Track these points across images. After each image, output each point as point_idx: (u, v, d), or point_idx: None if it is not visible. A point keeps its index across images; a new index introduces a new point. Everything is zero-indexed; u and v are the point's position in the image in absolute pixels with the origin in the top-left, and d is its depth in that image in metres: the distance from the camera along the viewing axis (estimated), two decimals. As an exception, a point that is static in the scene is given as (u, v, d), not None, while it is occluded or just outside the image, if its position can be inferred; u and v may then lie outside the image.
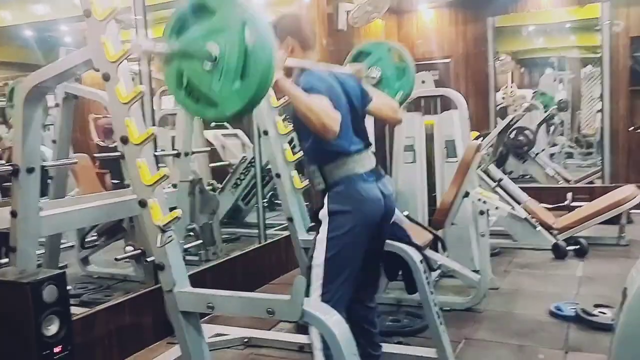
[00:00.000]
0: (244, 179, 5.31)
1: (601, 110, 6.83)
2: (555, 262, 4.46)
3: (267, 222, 4.59)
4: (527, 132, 7.15)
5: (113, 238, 4.13)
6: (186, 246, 3.98)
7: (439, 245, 3.40)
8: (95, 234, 4.16)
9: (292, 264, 3.95)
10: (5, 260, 2.34)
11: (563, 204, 5.38)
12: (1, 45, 5.75)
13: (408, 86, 2.74)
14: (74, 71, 2.24)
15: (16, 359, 1.95)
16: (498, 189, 4.83)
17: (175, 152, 4.02)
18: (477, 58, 7.22)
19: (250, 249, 4.29)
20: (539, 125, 7.62)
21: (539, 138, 7.36)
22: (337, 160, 2.07)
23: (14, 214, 2.24)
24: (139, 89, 1.91)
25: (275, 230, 4.69)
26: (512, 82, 8.54)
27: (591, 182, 6.95)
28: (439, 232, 3.48)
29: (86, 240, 4.13)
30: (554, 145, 8.42)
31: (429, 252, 3.10)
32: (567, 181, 7.11)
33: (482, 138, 5.07)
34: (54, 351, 1.93)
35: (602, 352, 2.63)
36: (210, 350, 2.10)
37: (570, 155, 8.62)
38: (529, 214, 4.70)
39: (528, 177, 7.30)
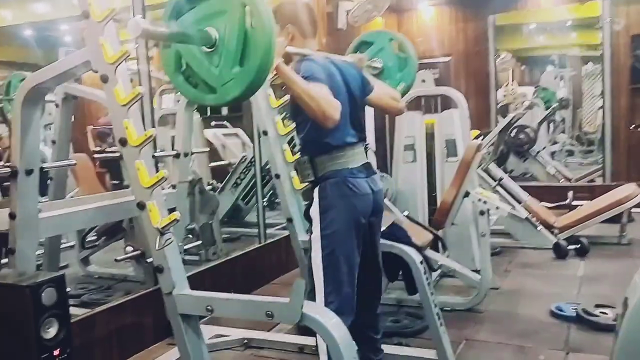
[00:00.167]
0: (244, 179, 5.29)
1: (602, 108, 6.82)
2: (556, 261, 4.44)
3: (267, 221, 4.58)
4: (528, 130, 7.14)
5: (113, 238, 4.12)
6: (186, 246, 3.97)
7: (440, 245, 3.39)
8: (95, 234, 4.16)
9: (292, 264, 3.94)
10: (5, 260, 2.33)
11: (564, 203, 5.35)
12: (1, 44, 5.73)
13: (410, 77, 2.73)
14: (73, 72, 2.23)
15: (15, 361, 1.95)
16: (498, 188, 4.82)
17: (174, 152, 4.01)
18: (478, 56, 7.20)
19: (250, 248, 4.29)
20: (540, 123, 7.61)
21: (539, 136, 7.35)
22: (329, 153, 2.05)
23: (12, 216, 2.22)
24: (137, 91, 1.90)
25: (276, 229, 4.69)
26: (512, 80, 8.53)
27: (592, 181, 6.94)
28: (440, 232, 3.47)
29: (86, 240, 4.13)
30: (555, 143, 8.42)
31: (429, 252, 3.09)
32: (568, 179, 7.10)
33: (482, 137, 5.04)
34: (53, 354, 1.92)
35: (603, 353, 2.61)
36: (210, 352, 2.10)
37: (571, 153, 8.61)
38: (530, 213, 4.68)
39: (529, 175, 7.29)
